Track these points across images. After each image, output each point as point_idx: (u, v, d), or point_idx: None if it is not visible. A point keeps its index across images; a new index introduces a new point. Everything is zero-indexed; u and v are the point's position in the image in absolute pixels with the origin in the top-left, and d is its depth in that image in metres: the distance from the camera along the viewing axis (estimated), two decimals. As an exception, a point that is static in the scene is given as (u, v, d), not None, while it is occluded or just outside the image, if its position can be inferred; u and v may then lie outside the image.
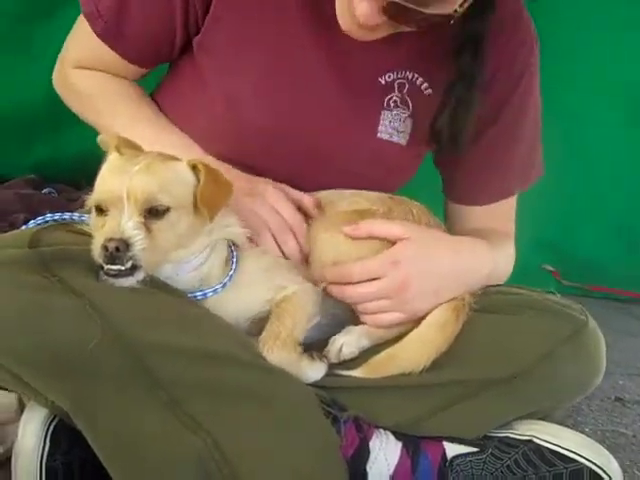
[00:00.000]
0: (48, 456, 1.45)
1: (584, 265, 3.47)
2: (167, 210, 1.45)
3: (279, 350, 1.54)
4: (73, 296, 1.38)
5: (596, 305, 3.20)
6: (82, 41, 1.78)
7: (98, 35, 1.72)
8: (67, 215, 1.61)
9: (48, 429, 1.47)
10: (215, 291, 1.55)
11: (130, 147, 1.56)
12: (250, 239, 1.63)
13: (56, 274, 1.40)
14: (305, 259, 1.69)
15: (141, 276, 1.43)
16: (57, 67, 1.88)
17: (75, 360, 1.33)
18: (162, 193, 1.44)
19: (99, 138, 1.56)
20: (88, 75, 1.80)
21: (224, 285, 1.56)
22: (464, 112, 1.70)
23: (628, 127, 3.35)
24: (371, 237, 1.66)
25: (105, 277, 1.42)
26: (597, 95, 3.27)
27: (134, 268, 1.41)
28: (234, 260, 1.59)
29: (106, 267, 1.40)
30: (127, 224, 1.40)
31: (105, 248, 1.38)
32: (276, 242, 1.65)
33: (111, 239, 1.38)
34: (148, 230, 1.42)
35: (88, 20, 1.72)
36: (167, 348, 1.41)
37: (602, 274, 3.46)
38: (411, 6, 1.46)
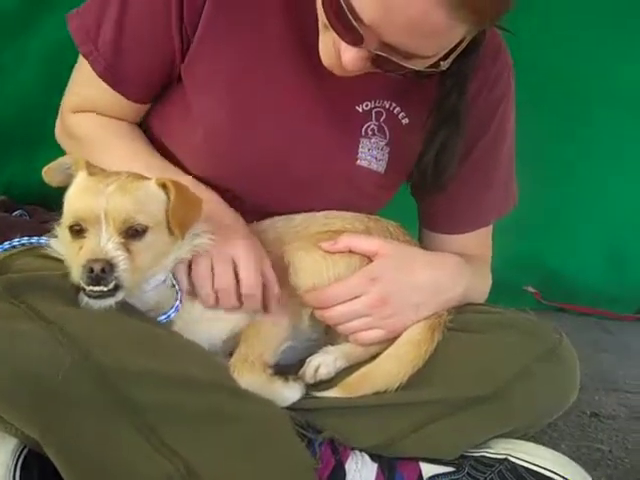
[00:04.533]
0: None
1: (566, 285, 3.48)
2: (145, 230, 1.44)
3: (248, 373, 1.54)
4: (42, 322, 1.36)
5: (572, 321, 3.26)
6: (80, 86, 1.76)
7: (97, 73, 1.69)
8: (34, 239, 1.59)
9: (18, 459, 1.45)
10: (177, 309, 1.54)
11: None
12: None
13: (24, 301, 1.38)
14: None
15: (121, 296, 1.42)
16: (58, 119, 1.84)
17: (44, 388, 1.31)
18: (139, 213, 1.44)
19: (45, 167, 1.53)
20: (86, 117, 1.77)
21: (181, 300, 1.55)
22: (449, 152, 1.71)
23: (617, 148, 3.37)
24: (349, 251, 1.67)
25: (86, 299, 1.41)
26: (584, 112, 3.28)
27: (116, 289, 1.40)
28: (175, 283, 1.56)
29: (88, 289, 1.39)
30: (108, 245, 1.40)
31: (90, 269, 1.37)
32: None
33: (95, 260, 1.37)
34: (128, 251, 1.41)
35: (87, 58, 1.69)
36: (139, 373, 1.39)
37: (582, 294, 3.48)
38: (398, 60, 1.45)
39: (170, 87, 1.76)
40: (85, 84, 1.74)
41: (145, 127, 1.83)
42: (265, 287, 1.62)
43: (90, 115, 1.77)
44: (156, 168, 1.68)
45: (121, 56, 1.67)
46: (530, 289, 3.49)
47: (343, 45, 1.45)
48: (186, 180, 1.67)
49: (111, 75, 1.69)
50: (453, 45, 1.47)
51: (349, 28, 1.41)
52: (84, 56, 1.70)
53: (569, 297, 3.48)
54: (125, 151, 1.73)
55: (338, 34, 1.44)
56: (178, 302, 1.55)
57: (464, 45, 1.50)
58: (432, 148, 1.71)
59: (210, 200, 1.65)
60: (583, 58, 3.11)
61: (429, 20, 1.34)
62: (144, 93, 1.75)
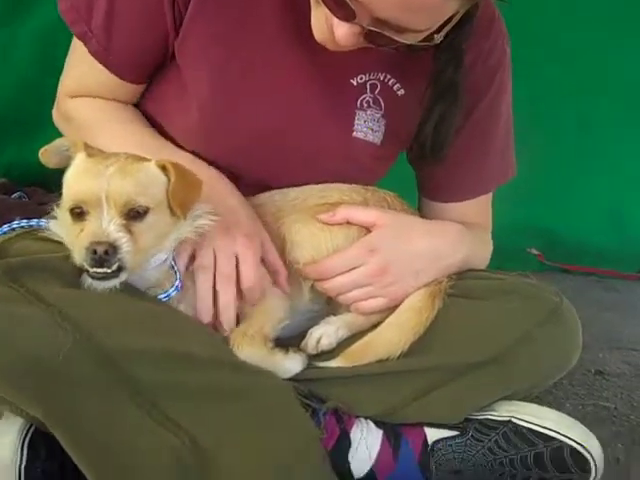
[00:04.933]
0: (27, 466, 1.45)
1: (569, 246, 3.49)
2: (147, 211, 1.45)
3: (248, 346, 1.55)
4: (42, 305, 1.37)
5: (576, 281, 3.27)
6: (76, 68, 1.75)
7: (92, 54, 1.68)
8: (33, 222, 1.59)
9: (25, 438, 1.47)
10: (177, 289, 1.55)
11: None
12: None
13: (23, 284, 1.39)
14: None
15: (124, 277, 1.43)
16: (55, 103, 1.84)
17: (46, 369, 1.32)
18: (140, 195, 1.44)
19: (42, 149, 1.51)
20: (83, 102, 1.77)
21: (182, 280, 1.55)
22: (448, 124, 1.70)
23: (616, 110, 3.36)
24: (347, 223, 1.68)
25: (90, 280, 1.41)
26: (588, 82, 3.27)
27: (119, 270, 1.41)
28: (173, 264, 1.56)
29: (92, 270, 1.40)
30: (110, 227, 1.40)
31: (93, 251, 1.37)
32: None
33: (98, 242, 1.38)
34: (130, 232, 1.42)
35: (81, 39, 1.68)
36: (141, 352, 1.40)
37: (585, 254, 3.48)
38: (391, 35, 1.44)
39: (165, 66, 1.75)
40: (80, 66, 1.73)
41: (140, 108, 1.82)
42: (274, 272, 1.64)
43: (87, 99, 1.76)
44: (155, 148, 1.67)
45: (114, 36, 1.66)
46: (533, 251, 3.50)
47: (335, 21, 1.44)
48: (185, 157, 1.68)
49: (105, 55, 1.68)
50: (446, 18, 1.45)
51: (341, 4, 1.40)
52: (77, 36, 1.69)
53: (572, 258, 3.49)
54: (123, 133, 1.72)
55: (330, 10, 1.43)
56: (179, 281, 1.55)
57: (458, 18, 1.49)
58: (430, 121, 1.70)
59: (210, 177, 1.65)
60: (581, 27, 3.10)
61: None
62: (139, 73, 1.74)
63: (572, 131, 3.35)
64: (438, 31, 1.48)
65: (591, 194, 3.44)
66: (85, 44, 1.68)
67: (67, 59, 1.79)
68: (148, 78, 1.77)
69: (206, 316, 1.57)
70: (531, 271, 2.82)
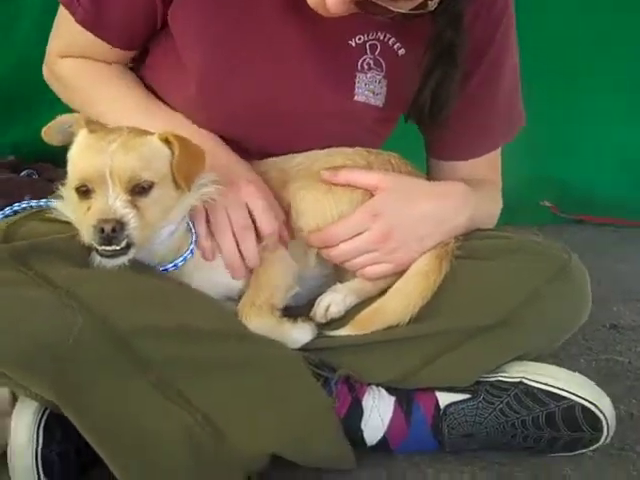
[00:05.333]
0: (43, 448, 1.47)
1: (583, 197, 3.46)
2: (151, 186, 1.45)
3: (256, 317, 1.56)
4: (50, 287, 1.38)
5: (591, 232, 3.24)
6: (65, 30, 1.74)
7: (79, 23, 1.68)
8: (36, 202, 1.61)
9: (40, 421, 1.48)
10: (184, 259, 1.56)
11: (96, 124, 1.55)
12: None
13: (32, 267, 1.40)
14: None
15: (133, 253, 1.44)
16: (45, 60, 1.83)
17: (56, 351, 1.33)
18: (144, 170, 1.44)
19: (45, 127, 1.52)
20: (74, 63, 1.76)
21: (191, 252, 1.57)
22: (446, 88, 1.67)
23: (629, 60, 3.32)
24: (349, 186, 1.67)
25: (99, 258, 1.43)
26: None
27: (128, 246, 1.42)
28: (192, 227, 1.59)
29: (100, 248, 1.41)
30: (116, 204, 1.41)
31: (101, 230, 1.38)
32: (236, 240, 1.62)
33: (105, 220, 1.39)
34: (136, 208, 1.42)
35: (68, 9, 1.68)
36: (150, 329, 1.42)
37: (600, 204, 3.46)
38: (383, 3, 1.43)
39: (159, 35, 1.73)
40: (68, 28, 1.71)
41: (137, 74, 1.82)
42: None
43: (78, 61, 1.76)
44: (151, 112, 1.70)
45: (101, 5, 1.65)
46: (547, 203, 3.48)
47: None
48: (179, 120, 1.70)
49: (91, 24, 1.68)
50: None
51: None
52: (64, 5, 1.69)
53: (586, 208, 3.47)
54: (118, 96, 1.74)
55: None
56: (188, 252, 1.56)
57: None
58: (428, 85, 1.67)
59: (208, 140, 1.67)
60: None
61: None
62: (128, 40, 1.73)
63: (583, 79, 3.31)
64: None
65: (604, 143, 3.41)
66: (72, 14, 1.67)
67: (56, 19, 1.78)
68: (139, 45, 1.76)
69: (239, 272, 1.61)
70: (545, 224, 2.83)
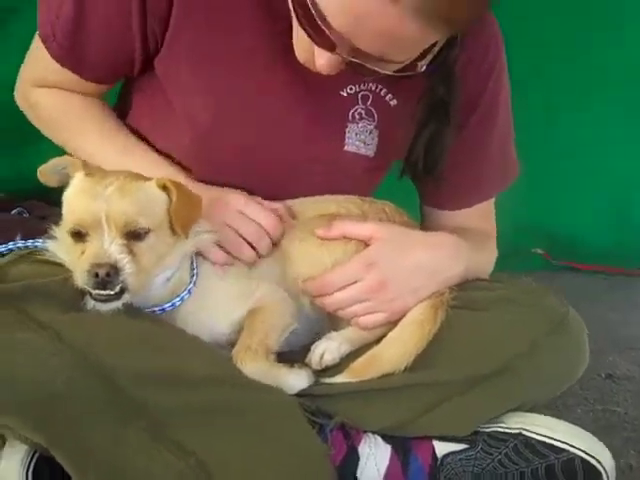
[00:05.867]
0: None
1: (575, 245, 3.47)
2: (147, 232, 1.44)
3: (251, 361, 1.52)
4: (40, 330, 1.36)
5: (583, 280, 3.24)
6: (40, 61, 1.73)
7: (54, 58, 1.68)
8: (29, 242, 1.59)
9: (29, 466, 1.44)
10: (182, 298, 1.54)
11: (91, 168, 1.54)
12: (223, 249, 1.62)
13: (22, 310, 1.38)
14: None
15: (127, 299, 1.43)
16: (17, 85, 1.84)
17: (46, 395, 1.31)
18: (141, 215, 1.43)
19: (40, 169, 1.52)
20: (50, 94, 1.76)
21: (189, 292, 1.55)
22: (440, 144, 1.68)
23: (619, 109, 3.33)
24: (344, 238, 1.65)
25: (93, 302, 1.41)
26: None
27: (122, 291, 1.40)
28: (195, 267, 1.58)
29: (95, 292, 1.39)
30: (111, 248, 1.39)
31: (95, 274, 1.37)
32: (253, 248, 1.64)
33: (99, 264, 1.37)
34: (131, 253, 1.41)
35: (44, 43, 1.68)
36: (144, 374, 1.40)
37: (591, 252, 3.46)
38: (372, 66, 1.43)
39: (143, 78, 1.74)
40: (43, 59, 1.71)
41: (125, 114, 1.82)
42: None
43: (53, 92, 1.76)
44: (128, 150, 1.72)
45: (77, 46, 1.65)
46: (539, 251, 3.48)
47: (316, 49, 1.43)
48: (156, 160, 1.72)
49: (65, 58, 1.68)
50: (428, 46, 1.43)
51: (321, 34, 1.38)
52: (41, 40, 1.68)
53: (578, 256, 3.47)
54: (95, 132, 1.74)
55: (310, 38, 1.42)
56: (185, 292, 1.55)
57: (441, 44, 1.47)
58: (421, 141, 1.68)
59: (186, 179, 1.68)
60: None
61: (401, 32, 1.31)
62: (103, 76, 1.74)
63: (574, 129, 3.32)
64: (421, 58, 1.46)
65: (595, 192, 3.41)
66: (47, 49, 1.68)
67: (31, 47, 1.77)
68: (115, 80, 1.78)
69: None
70: (537, 270, 2.82)
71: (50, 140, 1.83)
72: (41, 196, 2.70)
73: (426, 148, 1.68)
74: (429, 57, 1.47)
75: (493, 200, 1.95)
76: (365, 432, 1.63)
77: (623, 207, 3.48)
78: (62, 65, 1.68)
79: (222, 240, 1.61)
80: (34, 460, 1.45)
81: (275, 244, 1.67)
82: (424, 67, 1.48)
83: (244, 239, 1.63)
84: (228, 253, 1.63)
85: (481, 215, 1.92)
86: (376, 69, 1.43)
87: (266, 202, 1.70)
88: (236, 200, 1.66)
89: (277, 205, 1.70)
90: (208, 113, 1.66)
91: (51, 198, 2.58)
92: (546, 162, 3.05)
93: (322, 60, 1.44)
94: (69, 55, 1.67)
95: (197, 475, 1.39)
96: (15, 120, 2.63)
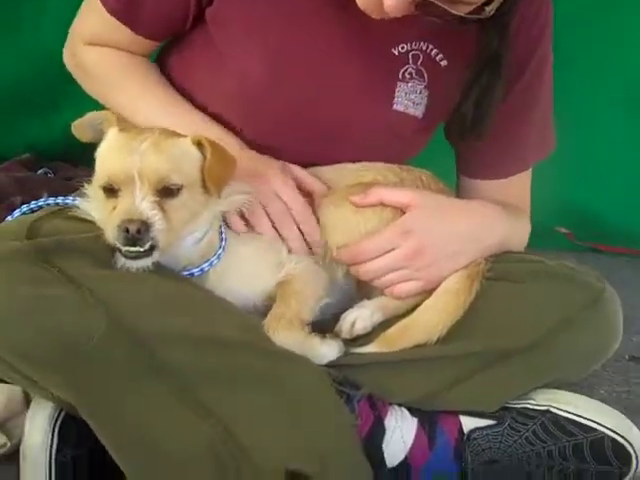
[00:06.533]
0: (57, 452, 1.43)
1: (600, 225, 3.42)
2: (180, 189, 1.43)
3: (284, 330, 1.51)
4: (74, 287, 1.34)
5: (607, 261, 3.19)
6: (92, 16, 1.72)
7: (109, 12, 1.67)
8: (60, 200, 1.58)
9: (55, 423, 1.44)
10: (211, 264, 1.53)
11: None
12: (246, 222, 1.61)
13: (56, 265, 1.36)
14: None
15: (157, 256, 1.41)
16: (67, 42, 1.82)
17: (78, 352, 1.30)
18: (174, 172, 1.42)
19: (75, 123, 1.50)
20: (98, 52, 1.75)
21: (218, 257, 1.53)
22: (490, 98, 1.65)
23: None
24: (381, 205, 1.63)
25: (123, 259, 1.40)
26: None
27: (152, 249, 1.39)
28: (223, 231, 1.56)
29: (124, 249, 1.38)
30: (143, 204, 1.38)
31: (125, 230, 1.35)
32: (275, 229, 1.61)
33: (130, 220, 1.36)
34: (163, 210, 1.40)
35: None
36: (174, 335, 1.38)
37: (616, 233, 3.41)
38: (443, 5, 1.40)
39: (192, 33, 1.72)
40: (96, 15, 1.70)
41: (167, 75, 1.80)
42: (311, 192, 1.66)
43: (103, 50, 1.74)
44: (174, 110, 1.70)
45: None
46: (562, 230, 3.44)
47: None
48: (202, 120, 1.69)
49: (121, 12, 1.67)
50: None
51: None
52: None
53: (603, 237, 3.42)
54: (142, 91, 1.72)
55: None
56: (215, 257, 1.53)
57: None
58: (472, 94, 1.65)
59: (231, 141, 1.66)
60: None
61: None
62: (156, 31, 1.73)
63: (605, 106, 3.27)
64: (489, 3, 1.43)
65: (624, 172, 3.36)
66: (103, 4, 1.66)
67: (83, 4, 1.76)
68: (167, 37, 1.77)
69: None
70: (560, 250, 2.79)
71: (77, 102, 1.81)
72: (65, 158, 2.72)
73: (476, 103, 1.65)
74: (497, 2, 1.45)
75: (530, 177, 1.92)
76: (392, 404, 1.62)
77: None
78: (117, 19, 1.67)
79: (247, 212, 1.59)
80: (60, 419, 1.45)
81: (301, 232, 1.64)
82: (492, 12, 1.45)
83: (269, 219, 1.61)
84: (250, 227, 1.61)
85: (518, 189, 1.89)
86: (447, 9, 1.41)
87: (306, 175, 1.68)
88: (273, 178, 1.62)
89: (317, 185, 1.68)
90: (261, 66, 1.63)
91: (76, 161, 2.60)
92: (575, 138, 3.00)
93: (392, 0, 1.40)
94: (125, 9, 1.66)
95: (224, 441, 1.39)
96: (49, 84, 2.65)
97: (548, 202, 3.14)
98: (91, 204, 1.51)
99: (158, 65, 1.83)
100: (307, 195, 1.65)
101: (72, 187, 1.60)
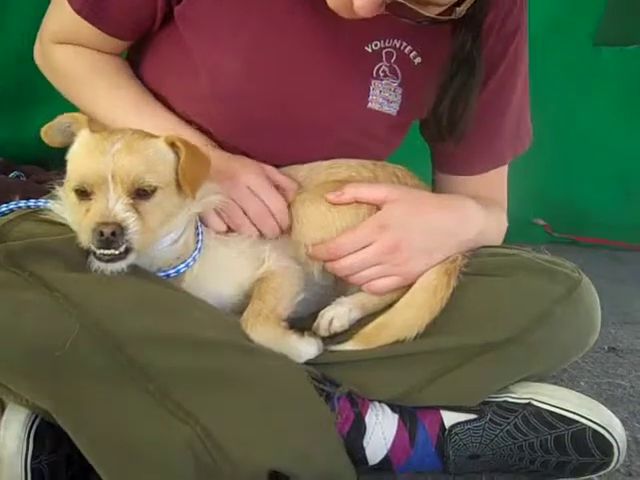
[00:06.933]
0: (33, 458, 1.41)
1: (576, 217, 3.43)
2: (154, 190, 1.41)
3: (261, 327, 1.50)
4: (46, 290, 1.32)
5: (584, 253, 3.20)
6: (60, 15, 1.70)
7: (76, 11, 1.64)
8: (31, 202, 1.55)
9: (30, 430, 1.42)
10: (187, 265, 1.51)
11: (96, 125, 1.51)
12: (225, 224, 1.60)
13: (26, 269, 1.34)
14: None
15: (132, 259, 1.39)
16: (37, 42, 1.80)
17: (52, 357, 1.28)
18: (148, 173, 1.40)
19: (44, 128, 1.47)
20: (68, 51, 1.73)
21: (194, 258, 1.52)
22: (465, 99, 1.64)
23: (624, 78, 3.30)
24: (356, 202, 1.62)
25: (98, 262, 1.37)
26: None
27: (127, 251, 1.37)
28: (200, 231, 1.55)
29: (99, 252, 1.36)
30: (117, 207, 1.36)
31: (100, 233, 1.33)
32: (255, 226, 1.60)
33: (105, 223, 1.34)
34: (137, 212, 1.38)
35: None
36: (150, 337, 1.36)
37: (593, 225, 3.43)
38: (413, 6, 1.39)
39: (161, 32, 1.70)
40: (64, 14, 1.67)
41: (138, 75, 1.78)
42: (283, 190, 1.65)
43: (73, 49, 1.72)
44: (145, 110, 1.68)
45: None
46: (540, 222, 3.45)
47: None
48: (172, 120, 1.67)
49: (88, 13, 1.64)
50: None
51: None
52: None
53: (580, 229, 3.44)
54: (112, 90, 1.70)
55: None
56: (191, 259, 1.51)
57: None
58: (447, 96, 1.64)
59: (201, 141, 1.65)
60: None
61: None
62: (125, 31, 1.71)
63: (581, 98, 3.28)
64: (459, 3, 1.42)
65: (599, 163, 3.38)
66: (69, 2, 1.64)
67: (51, 3, 1.74)
68: (136, 36, 1.73)
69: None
70: (537, 243, 2.80)
71: (49, 104, 1.79)
72: (38, 162, 2.68)
73: (451, 102, 1.64)
74: (468, 2, 1.44)
75: (506, 172, 1.91)
76: (372, 401, 1.61)
77: (627, 180, 3.44)
78: (84, 18, 1.65)
79: (226, 213, 1.58)
80: (35, 425, 1.43)
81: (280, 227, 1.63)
82: (462, 13, 1.45)
83: (248, 218, 1.60)
84: (229, 229, 1.60)
85: (494, 185, 1.88)
86: (417, 9, 1.40)
87: (277, 173, 1.67)
88: (247, 176, 1.61)
89: (287, 182, 1.67)
90: (233, 58, 1.62)
91: (49, 164, 2.56)
92: (550, 131, 3.01)
93: (362, 1, 1.39)
94: (91, 8, 1.63)
95: (203, 442, 1.37)
96: (18, 85, 2.61)
97: (525, 194, 3.15)
98: (63, 206, 1.49)
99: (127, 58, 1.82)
100: (280, 193, 1.64)
101: (44, 190, 1.57)
